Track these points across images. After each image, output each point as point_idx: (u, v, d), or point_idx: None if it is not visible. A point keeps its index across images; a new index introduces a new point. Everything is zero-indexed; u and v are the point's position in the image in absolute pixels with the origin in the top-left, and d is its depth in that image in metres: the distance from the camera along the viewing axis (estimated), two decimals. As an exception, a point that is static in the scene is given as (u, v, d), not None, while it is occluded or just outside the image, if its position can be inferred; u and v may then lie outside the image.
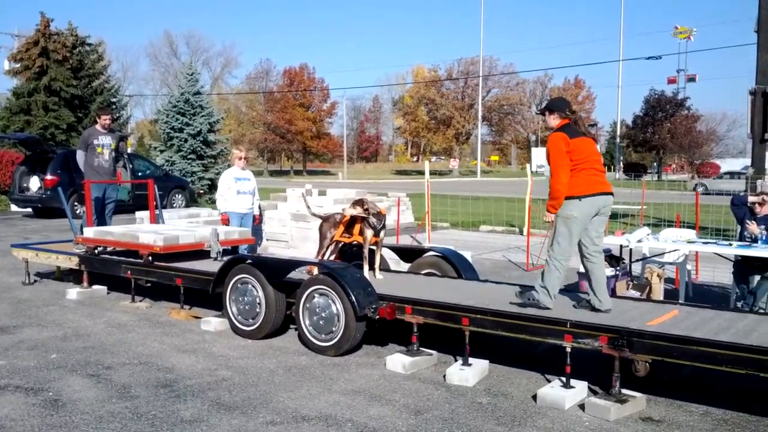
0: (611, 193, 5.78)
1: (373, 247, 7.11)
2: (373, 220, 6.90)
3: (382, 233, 7.06)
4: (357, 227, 7.04)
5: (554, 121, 5.88)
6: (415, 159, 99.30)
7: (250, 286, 6.75)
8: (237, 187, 9.43)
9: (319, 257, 7.28)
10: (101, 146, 10.37)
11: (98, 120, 10.65)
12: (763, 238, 7.62)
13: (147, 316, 7.72)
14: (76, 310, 8.01)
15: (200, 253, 8.34)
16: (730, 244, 7.91)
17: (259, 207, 10.17)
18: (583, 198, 5.59)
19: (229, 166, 10.41)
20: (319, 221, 7.58)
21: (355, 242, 7.20)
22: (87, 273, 8.83)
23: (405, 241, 12.62)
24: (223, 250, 8.32)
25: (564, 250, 5.70)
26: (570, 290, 7.74)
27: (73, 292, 8.67)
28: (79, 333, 6.96)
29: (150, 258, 8.00)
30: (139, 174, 20.53)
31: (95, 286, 8.86)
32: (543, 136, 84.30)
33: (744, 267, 7.74)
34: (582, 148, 5.64)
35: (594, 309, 5.71)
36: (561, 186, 5.58)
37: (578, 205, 5.61)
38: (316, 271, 6.60)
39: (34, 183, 19.31)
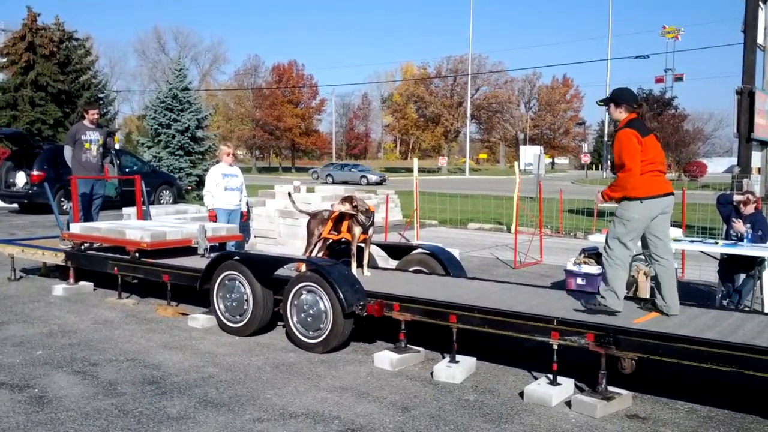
0: (672, 193, 5.57)
1: (362, 245, 7.12)
2: (361, 217, 6.90)
3: (370, 230, 7.06)
4: (345, 224, 7.04)
5: (621, 114, 5.58)
6: (403, 157, 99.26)
7: (237, 282, 6.73)
8: (225, 183, 9.40)
9: (307, 254, 7.27)
10: (89, 142, 10.31)
11: (86, 115, 10.58)
12: (749, 236, 7.67)
13: (134, 313, 7.68)
14: (62, 306, 7.97)
15: (187, 250, 8.31)
16: (716, 243, 7.96)
17: (247, 203, 10.14)
18: (644, 200, 5.39)
19: (217, 162, 10.37)
20: (307, 218, 7.57)
21: (343, 239, 7.20)
22: (73, 269, 8.78)
23: (393, 238, 12.63)
24: (211, 246, 8.30)
25: (623, 251, 5.49)
26: (559, 288, 7.77)
27: (59, 288, 8.62)
28: (65, 329, 6.93)
29: (137, 254, 7.97)
30: (127, 170, 20.41)
31: (81, 283, 8.81)
32: (531, 135, 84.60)
33: (729, 265, 7.80)
34: (650, 148, 5.42)
35: (662, 312, 5.56)
36: (631, 185, 5.38)
37: (639, 208, 5.41)
38: (304, 268, 6.59)
39: (20, 178, 19.19)
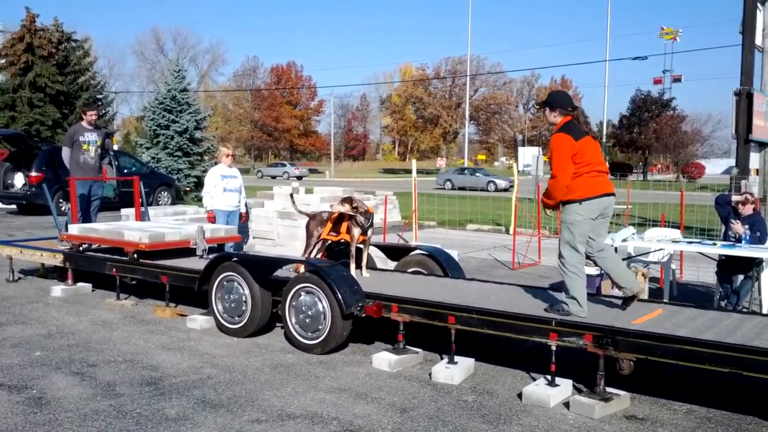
0: (613, 194, 5.61)
1: (361, 246, 7.12)
2: (361, 218, 6.91)
3: (369, 232, 7.07)
4: (344, 225, 7.05)
5: (555, 118, 5.59)
6: (402, 158, 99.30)
7: (236, 283, 6.73)
8: (224, 184, 9.40)
9: (306, 255, 7.27)
10: (87, 143, 10.30)
11: (84, 116, 10.58)
12: (747, 237, 7.68)
13: (132, 314, 7.68)
14: (60, 307, 7.96)
15: (186, 251, 8.31)
16: (714, 244, 7.97)
17: (246, 205, 10.14)
18: (583, 201, 5.41)
19: (215, 163, 10.37)
20: (306, 219, 7.57)
21: (342, 240, 7.20)
22: (72, 270, 8.77)
23: (392, 239, 12.63)
24: (209, 247, 8.30)
25: (575, 256, 5.47)
26: (557, 289, 7.78)
27: (57, 289, 8.62)
28: (64, 331, 6.92)
29: (135, 255, 7.96)
30: (125, 171, 20.42)
31: (80, 284, 8.81)
32: (529, 136, 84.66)
33: (727, 266, 7.80)
34: (586, 150, 5.43)
35: (628, 298, 5.74)
36: (558, 191, 5.45)
37: (579, 209, 5.42)
38: (302, 269, 6.59)
39: (18, 180, 19.18)
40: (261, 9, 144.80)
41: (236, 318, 6.74)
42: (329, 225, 7.22)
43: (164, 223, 9.96)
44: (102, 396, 5.06)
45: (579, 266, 5.49)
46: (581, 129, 5.53)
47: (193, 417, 4.67)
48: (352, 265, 6.94)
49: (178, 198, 22.83)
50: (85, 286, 8.81)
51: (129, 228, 8.59)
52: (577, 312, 5.41)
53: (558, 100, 5.68)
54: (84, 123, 10.49)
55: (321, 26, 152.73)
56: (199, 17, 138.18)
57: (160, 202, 21.26)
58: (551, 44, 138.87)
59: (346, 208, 6.91)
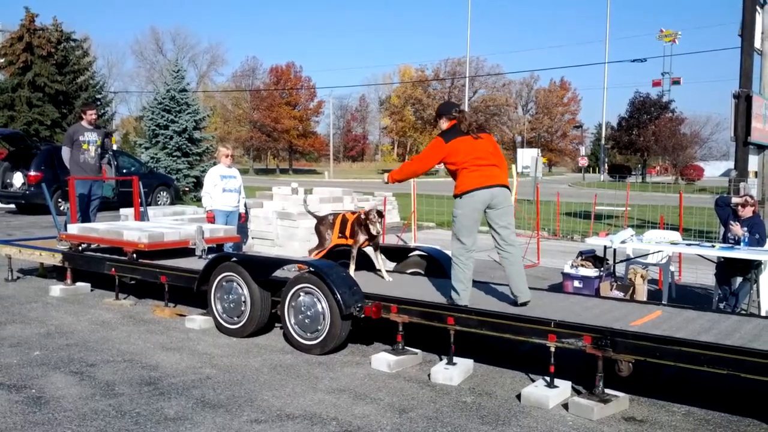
0: (501, 185, 5.82)
1: (369, 249, 7.12)
2: (376, 227, 6.90)
3: (378, 237, 7.03)
4: (349, 228, 7.01)
5: (443, 124, 6.06)
6: (401, 159, 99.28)
7: (235, 284, 6.73)
8: (223, 184, 9.40)
9: (318, 255, 7.22)
10: (87, 143, 10.31)
11: (84, 116, 10.59)
12: (746, 239, 7.69)
13: (131, 314, 7.68)
14: (59, 307, 7.96)
15: (185, 251, 8.31)
16: (713, 246, 7.98)
17: (245, 205, 10.14)
18: (463, 195, 5.76)
19: (215, 163, 10.37)
20: (315, 221, 7.52)
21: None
22: (70, 270, 8.77)
23: (391, 240, 12.63)
24: (208, 247, 8.30)
25: (458, 246, 5.85)
26: (556, 291, 7.79)
27: (56, 289, 8.61)
28: (63, 330, 6.92)
29: (134, 255, 7.96)
30: (124, 171, 20.43)
31: (79, 283, 8.81)
32: (528, 137, 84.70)
33: (726, 268, 7.81)
34: (459, 149, 5.78)
35: (516, 303, 5.89)
36: (405, 175, 6.23)
37: (460, 204, 5.79)
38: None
39: (17, 179, 19.17)
40: (260, 9, 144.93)
41: (235, 318, 6.74)
42: (336, 228, 7.17)
43: (163, 223, 9.97)
44: (101, 395, 5.06)
45: (461, 257, 5.83)
46: (459, 130, 5.87)
47: (192, 417, 4.67)
48: (352, 267, 6.94)
49: (177, 198, 22.83)
50: (84, 286, 8.81)
51: (128, 228, 8.59)
52: (456, 300, 5.79)
53: (442, 108, 6.18)
54: (84, 123, 10.50)
55: (320, 27, 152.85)
56: (199, 17, 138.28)
57: (159, 202, 21.26)
58: (550, 46, 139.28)
59: (356, 214, 6.97)
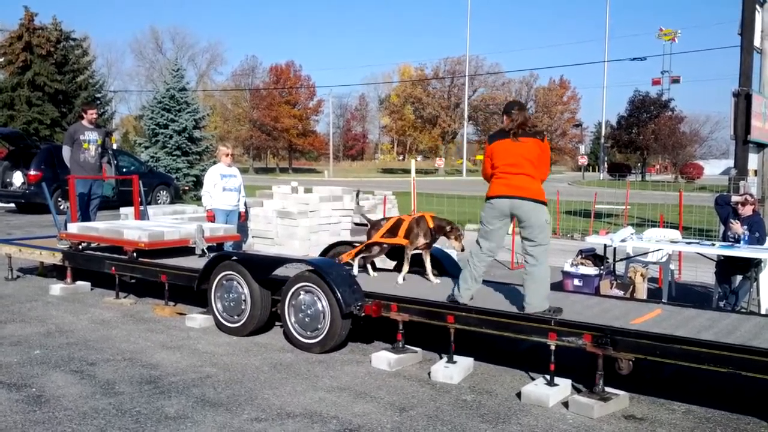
0: (523, 197, 5.53)
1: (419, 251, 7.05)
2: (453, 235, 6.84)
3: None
4: (403, 230, 6.89)
5: (504, 122, 5.92)
6: (401, 158, 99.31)
7: (235, 282, 6.73)
8: (223, 183, 9.39)
9: (352, 257, 7.14)
10: (87, 142, 10.31)
11: (84, 115, 10.59)
12: (746, 238, 7.69)
13: (131, 313, 7.68)
14: (59, 306, 7.96)
15: (185, 250, 8.31)
16: (713, 244, 7.98)
17: (245, 204, 10.14)
18: (486, 201, 5.75)
19: (215, 162, 10.37)
20: (368, 226, 7.46)
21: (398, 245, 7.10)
22: (70, 269, 8.77)
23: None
24: (208, 246, 8.30)
25: (476, 249, 5.84)
26: (556, 289, 7.78)
27: (56, 288, 8.62)
28: (63, 329, 6.92)
29: (135, 254, 7.96)
30: (124, 170, 20.41)
31: (79, 282, 8.81)
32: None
33: (726, 267, 7.81)
34: (496, 151, 5.69)
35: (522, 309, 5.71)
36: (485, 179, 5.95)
37: (483, 208, 5.79)
38: (344, 258, 6.75)
39: (17, 178, 19.16)
40: (260, 8, 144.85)
41: (235, 317, 6.74)
42: (384, 229, 7.07)
43: (163, 222, 9.96)
44: (101, 394, 5.06)
45: (474, 258, 5.81)
46: (504, 131, 5.74)
47: (192, 416, 4.67)
48: (405, 268, 6.91)
49: (176, 197, 22.82)
50: (84, 285, 8.81)
51: (128, 227, 8.59)
52: (456, 296, 5.79)
53: (505, 106, 6.00)
54: (84, 122, 10.50)
55: (320, 26, 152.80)
56: (198, 17, 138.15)
57: (158, 201, 21.25)
58: (550, 45, 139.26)
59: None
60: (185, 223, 9.57)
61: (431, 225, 6.85)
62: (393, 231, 7.00)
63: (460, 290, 5.77)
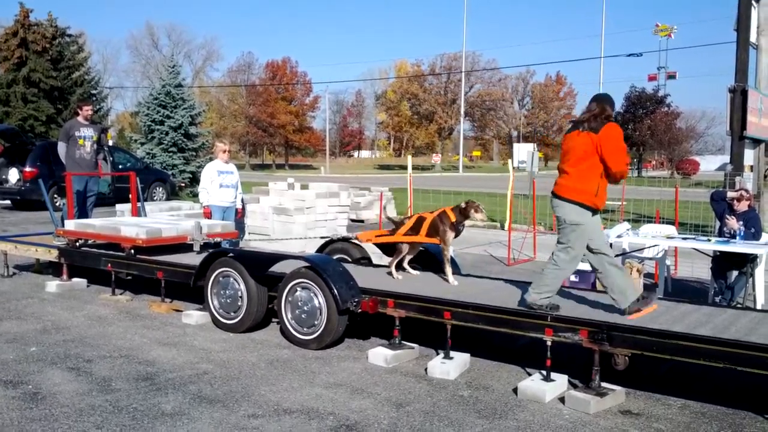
0: (554, 195, 5.47)
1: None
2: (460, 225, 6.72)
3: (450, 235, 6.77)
4: (426, 227, 6.75)
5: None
6: (397, 154, 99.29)
7: (231, 279, 6.73)
8: (220, 180, 9.37)
9: (393, 262, 6.99)
10: (83, 138, 10.29)
11: (80, 112, 10.56)
12: (741, 233, 7.71)
13: (127, 309, 7.67)
14: (55, 302, 7.95)
15: (183, 247, 8.30)
16: (709, 240, 8.00)
17: (242, 200, 10.11)
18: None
19: (211, 158, 10.35)
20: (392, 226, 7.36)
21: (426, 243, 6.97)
22: (66, 266, 8.76)
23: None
24: (206, 243, 8.29)
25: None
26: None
27: (52, 284, 8.60)
28: (59, 326, 6.91)
29: (132, 251, 7.95)
30: (120, 167, 20.37)
31: (75, 279, 8.79)
32: (524, 132, 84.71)
33: (722, 262, 7.83)
34: (563, 145, 5.51)
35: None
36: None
37: None
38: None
39: (13, 175, 19.11)
40: (256, 5, 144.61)
41: (232, 313, 6.74)
42: (407, 227, 6.92)
43: (161, 219, 9.95)
44: (98, 391, 5.06)
45: (554, 258, 5.52)
46: (576, 122, 5.49)
47: (189, 412, 4.67)
48: (448, 269, 6.74)
49: (172, 194, 22.80)
50: (80, 282, 8.80)
51: (126, 224, 8.58)
52: (528, 299, 5.44)
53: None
54: (80, 118, 10.47)
55: (316, 22, 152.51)
56: (194, 13, 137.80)
57: (155, 198, 21.23)
58: (546, 41, 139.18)
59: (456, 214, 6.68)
60: (183, 220, 9.56)
61: (453, 219, 6.68)
62: (416, 229, 6.84)
63: (541, 294, 5.38)
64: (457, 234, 6.78)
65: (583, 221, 5.31)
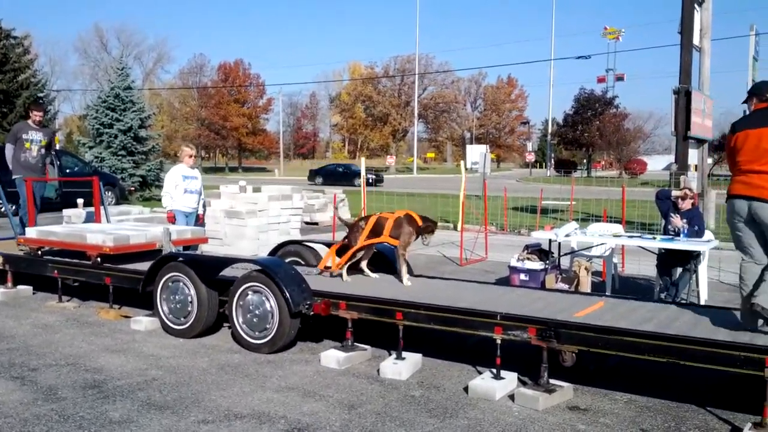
0: (748, 197, 5.01)
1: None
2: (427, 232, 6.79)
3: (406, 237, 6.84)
4: (388, 229, 6.77)
5: (750, 107, 5.22)
6: (352, 156, 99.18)
7: (181, 284, 6.64)
8: (185, 185, 9.20)
9: (343, 264, 6.99)
10: (29, 141, 10.03)
11: (30, 115, 10.31)
12: (685, 231, 7.90)
13: (75, 316, 7.52)
14: (-1, 311, 7.76)
15: (151, 254, 8.03)
16: (654, 238, 8.18)
17: (204, 206, 9.95)
18: (727, 200, 5.24)
19: (174, 162, 10.17)
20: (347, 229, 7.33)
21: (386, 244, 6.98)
22: (11, 273, 8.53)
23: (341, 237, 12.61)
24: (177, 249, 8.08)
25: (741, 260, 5.25)
26: (503, 284, 7.88)
27: (-4, 292, 8.37)
28: (3, 334, 6.74)
29: (99, 259, 7.70)
30: (68, 171, 19.95)
31: (20, 287, 8.57)
32: (477, 134, 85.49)
33: (667, 259, 8.02)
34: (738, 145, 5.08)
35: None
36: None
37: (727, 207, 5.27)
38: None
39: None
40: (208, 6, 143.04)
41: (182, 319, 6.66)
42: (366, 231, 6.92)
43: (127, 226, 9.68)
44: (43, 400, 4.95)
45: (744, 265, 5.20)
46: (749, 120, 5.15)
47: (137, 420, 4.60)
48: (404, 270, 6.76)
49: (122, 198, 22.41)
50: (25, 289, 8.58)
51: (91, 230, 8.22)
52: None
53: (755, 88, 5.26)
54: (30, 121, 10.22)
55: (269, 24, 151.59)
56: (145, 14, 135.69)
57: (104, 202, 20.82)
58: (498, 44, 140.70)
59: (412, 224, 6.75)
60: (151, 227, 9.31)
61: (420, 224, 6.77)
62: (376, 231, 6.86)
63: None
64: (411, 241, 6.85)
65: None
